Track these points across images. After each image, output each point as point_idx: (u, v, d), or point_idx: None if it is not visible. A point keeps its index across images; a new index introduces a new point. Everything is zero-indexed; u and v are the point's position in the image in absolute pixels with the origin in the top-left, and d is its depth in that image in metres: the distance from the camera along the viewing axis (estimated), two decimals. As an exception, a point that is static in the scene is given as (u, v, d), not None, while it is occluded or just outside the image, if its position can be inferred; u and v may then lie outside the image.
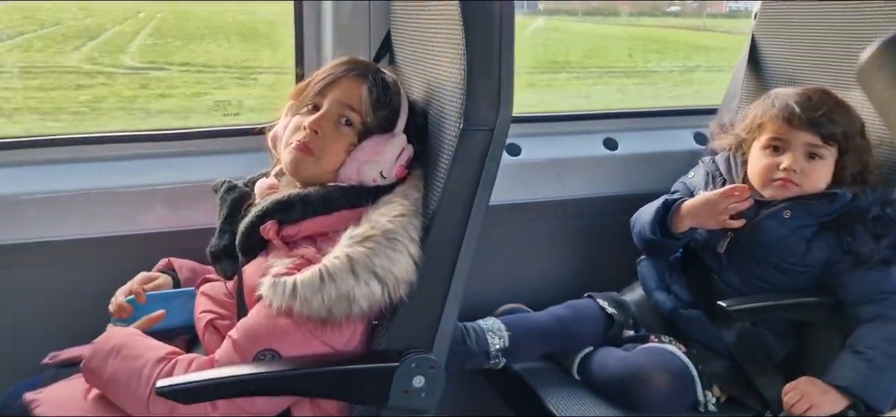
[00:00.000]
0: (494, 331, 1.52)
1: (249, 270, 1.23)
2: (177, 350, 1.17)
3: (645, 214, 1.54)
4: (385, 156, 1.22)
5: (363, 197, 1.21)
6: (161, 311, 1.27)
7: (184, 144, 1.67)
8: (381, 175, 1.22)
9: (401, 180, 1.24)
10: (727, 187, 1.46)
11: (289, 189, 1.27)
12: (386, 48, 1.54)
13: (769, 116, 1.47)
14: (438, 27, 1.23)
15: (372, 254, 1.10)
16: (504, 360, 1.53)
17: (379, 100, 1.25)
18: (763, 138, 1.48)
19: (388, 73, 1.30)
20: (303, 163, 1.23)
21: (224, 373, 1.10)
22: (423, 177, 1.25)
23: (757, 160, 1.49)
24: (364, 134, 1.24)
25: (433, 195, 1.21)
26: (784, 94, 1.49)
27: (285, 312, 1.09)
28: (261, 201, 1.26)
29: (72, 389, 1.21)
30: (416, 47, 1.37)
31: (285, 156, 1.26)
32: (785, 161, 1.44)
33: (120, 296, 1.30)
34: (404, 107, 1.27)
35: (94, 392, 1.18)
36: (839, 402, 1.36)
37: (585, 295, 1.64)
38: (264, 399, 1.13)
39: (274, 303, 1.09)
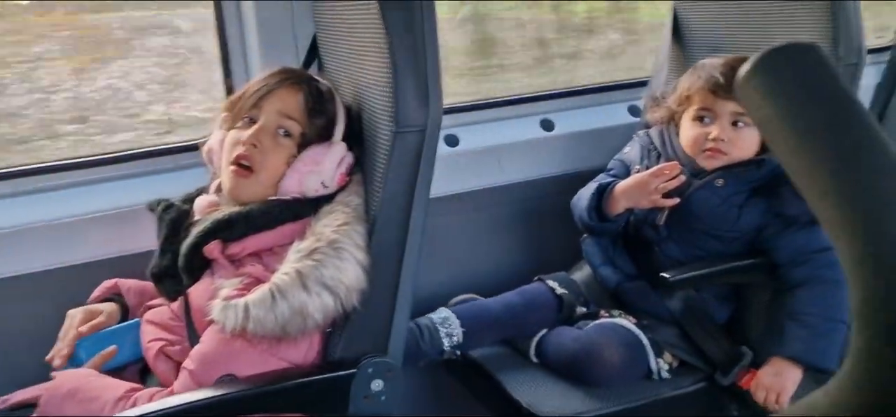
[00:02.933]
0: (447, 325, 1.53)
1: (196, 292, 1.22)
2: (136, 386, 1.16)
3: (582, 200, 1.58)
4: (325, 166, 1.22)
5: (305, 208, 1.22)
6: (113, 347, 1.25)
7: (120, 167, 1.63)
8: (323, 184, 1.22)
9: (341, 187, 1.24)
10: (656, 167, 1.50)
11: (230, 205, 1.26)
12: (313, 53, 1.53)
13: (696, 88, 1.52)
14: (362, 29, 1.23)
15: (320, 266, 1.11)
16: (458, 352, 1.54)
17: (315, 109, 1.25)
18: (692, 110, 1.53)
19: (322, 81, 1.30)
20: (242, 185, 1.22)
21: (180, 400, 1.10)
22: (362, 183, 1.26)
23: (687, 131, 1.53)
24: (303, 144, 1.24)
25: (373, 199, 1.22)
26: (709, 65, 1.53)
27: (239, 334, 1.09)
28: (202, 220, 1.25)
29: (23, 435, 1.19)
30: (342, 50, 1.36)
31: (224, 177, 1.25)
32: (713, 131, 1.49)
33: (64, 347, 1.26)
34: (341, 114, 1.27)
35: None
36: (794, 372, 1.41)
37: (535, 278, 1.67)
38: None
39: (227, 326, 1.09)
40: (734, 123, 1.49)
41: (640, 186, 1.48)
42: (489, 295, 1.66)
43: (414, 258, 1.21)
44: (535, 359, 1.55)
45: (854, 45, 1.46)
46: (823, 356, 1.39)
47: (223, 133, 1.29)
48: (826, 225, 0.43)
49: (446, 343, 1.52)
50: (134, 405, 1.10)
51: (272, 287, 1.09)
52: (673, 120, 1.58)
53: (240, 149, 1.22)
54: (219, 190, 1.33)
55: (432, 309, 1.60)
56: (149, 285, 1.36)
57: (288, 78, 1.26)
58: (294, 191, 1.22)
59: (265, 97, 1.24)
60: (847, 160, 0.41)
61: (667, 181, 1.46)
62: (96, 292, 1.38)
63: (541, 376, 1.52)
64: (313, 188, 1.22)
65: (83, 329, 1.26)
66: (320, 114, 1.25)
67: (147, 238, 1.38)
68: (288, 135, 1.23)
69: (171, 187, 1.44)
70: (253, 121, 1.24)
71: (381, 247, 1.19)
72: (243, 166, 1.22)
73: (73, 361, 1.23)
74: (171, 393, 1.12)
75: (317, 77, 1.31)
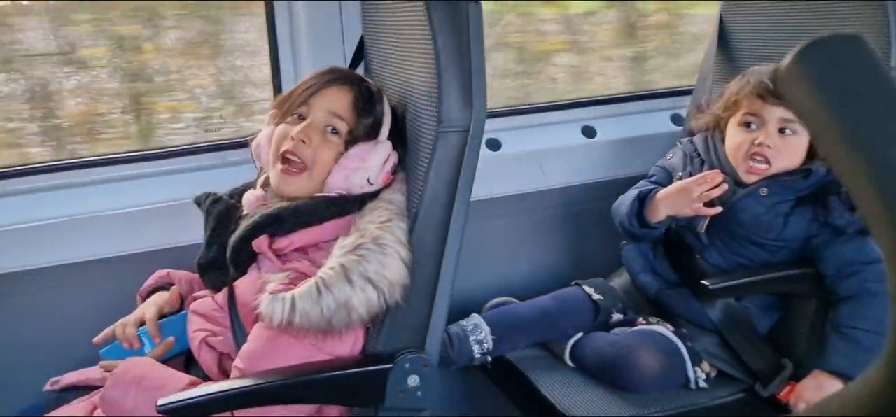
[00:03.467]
0: (477, 332, 1.54)
1: (242, 285, 1.25)
2: (196, 380, 1.19)
3: (623, 205, 1.57)
4: (372, 164, 1.24)
5: (351, 204, 1.24)
6: (172, 338, 1.29)
7: (170, 162, 1.69)
8: (368, 181, 1.24)
9: (386, 185, 1.26)
10: (699, 175, 1.49)
11: (277, 201, 1.29)
12: (360, 53, 1.56)
13: (744, 93, 1.50)
14: (408, 30, 1.25)
15: (364, 261, 1.13)
16: (489, 358, 1.55)
17: (364, 109, 1.27)
18: (738, 115, 1.51)
19: (371, 82, 1.32)
20: (290, 183, 1.25)
21: (222, 387, 1.13)
22: (405, 180, 1.28)
23: (732, 137, 1.52)
24: (350, 142, 1.26)
25: (415, 197, 1.23)
26: (758, 71, 1.52)
27: (285, 328, 1.11)
28: (251, 214, 1.27)
29: (73, 413, 1.23)
30: (389, 50, 1.39)
31: (272, 174, 1.27)
32: (759, 136, 1.47)
33: (130, 328, 1.29)
34: (388, 114, 1.29)
35: (97, 415, 1.20)
36: (836, 387, 1.38)
37: (572, 282, 1.67)
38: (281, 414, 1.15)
39: (274, 319, 1.11)
40: (781, 130, 1.47)
41: (682, 193, 1.48)
42: (526, 299, 1.67)
43: (453, 257, 1.22)
44: (570, 363, 1.55)
45: (908, 54, 1.43)
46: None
47: (271, 128, 1.32)
48: (867, 216, 0.43)
49: (476, 349, 1.53)
50: None
51: (318, 280, 1.11)
52: (718, 126, 1.57)
53: (288, 145, 1.25)
54: (266, 185, 1.36)
55: (471, 309, 1.62)
56: (195, 276, 1.40)
57: (338, 77, 1.29)
58: (340, 188, 1.25)
59: (315, 95, 1.27)
60: (891, 149, 0.41)
61: (709, 189, 1.45)
62: (150, 280, 1.42)
63: (576, 379, 1.52)
64: (359, 185, 1.24)
65: (149, 323, 1.29)
66: (368, 114, 1.27)
67: (196, 231, 1.42)
68: (335, 132, 1.26)
69: (219, 182, 1.48)
70: (302, 118, 1.27)
71: (422, 245, 1.20)
72: (292, 163, 1.25)
73: (126, 352, 1.27)
74: None
75: (365, 77, 1.34)
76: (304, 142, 1.24)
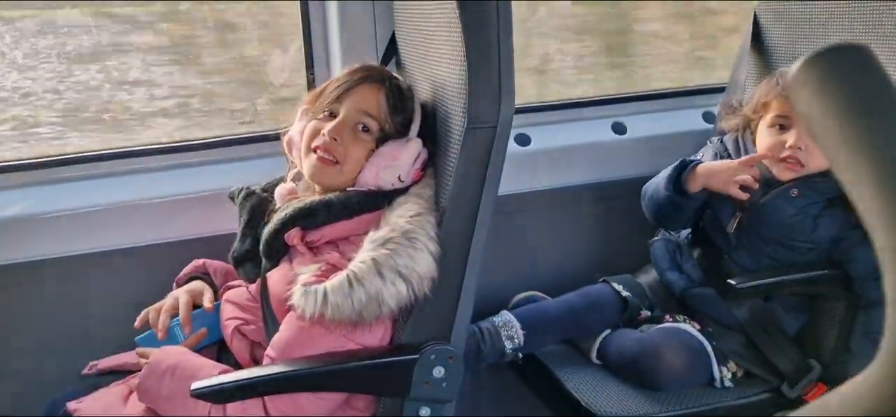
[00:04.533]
0: (508, 328, 1.55)
1: (275, 277, 1.28)
2: (227, 367, 1.22)
3: (659, 177, 1.57)
4: (402, 161, 1.26)
5: (381, 199, 1.26)
6: (204, 329, 1.33)
7: (204, 154, 1.73)
8: (399, 179, 1.27)
9: (415, 181, 1.28)
10: (747, 156, 1.48)
11: (308, 194, 1.32)
12: (392, 49, 1.58)
13: (774, 94, 1.49)
14: (439, 27, 1.27)
15: (394, 255, 1.15)
16: (520, 354, 1.56)
17: (395, 107, 1.29)
18: (769, 116, 1.50)
19: (401, 79, 1.34)
20: (325, 172, 1.28)
21: (253, 373, 1.16)
22: (434, 175, 1.29)
23: (763, 138, 1.51)
24: (381, 139, 1.28)
25: (443, 191, 1.25)
26: (788, 72, 1.50)
27: (317, 320, 1.14)
28: (283, 207, 1.30)
29: (111, 397, 1.27)
30: (420, 47, 1.41)
31: (306, 164, 1.30)
32: (790, 138, 1.46)
33: (165, 317, 1.32)
34: (418, 112, 1.31)
35: (133, 399, 1.24)
36: None
37: (600, 279, 1.68)
38: (312, 404, 1.18)
39: (306, 311, 1.14)
40: None
41: (725, 170, 1.47)
42: (553, 294, 1.68)
43: (479, 250, 1.24)
44: (596, 360, 1.56)
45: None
46: None
47: (303, 123, 1.34)
48: (864, 215, 0.44)
49: (508, 345, 1.54)
50: None
51: (349, 274, 1.14)
52: (748, 127, 1.56)
53: (320, 141, 1.27)
54: (296, 178, 1.39)
55: (498, 303, 1.63)
56: (230, 267, 1.44)
57: (369, 75, 1.31)
58: (371, 184, 1.27)
59: (347, 93, 1.29)
60: (889, 151, 0.42)
61: (749, 175, 1.44)
62: (186, 269, 1.45)
63: (601, 376, 1.53)
64: (390, 181, 1.26)
65: (182, 312, 1.32)
66: (399, 112, 1.29)
67: (229, 221, 1.46)
68: (366, 130, 1.28)
69: (253, 174, 1.52)
70: (333, 115, 1.29)
71: (449, 239, 1.22)
72: (327, 156, 1.27)
73: (168, 338, 1.30)
74: None
75: (396, 75, 1.35)
76: (335, 140, 1.26)
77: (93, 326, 1.60)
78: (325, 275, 1.18)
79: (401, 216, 1.20)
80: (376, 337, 1.20)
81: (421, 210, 1.21)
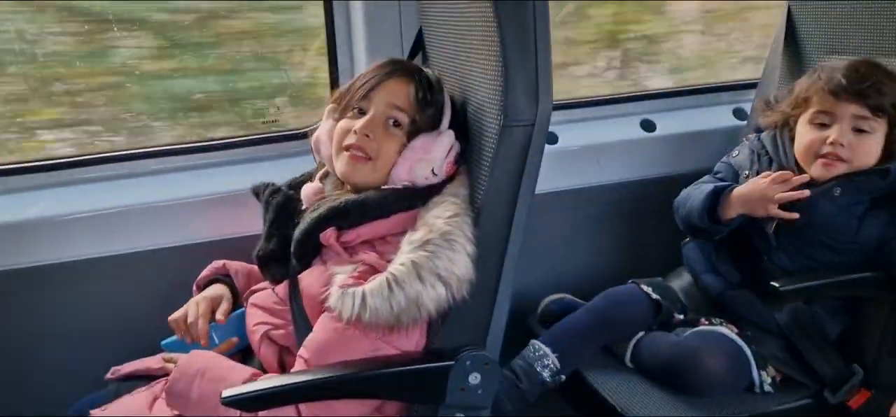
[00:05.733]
0: (540, 358, 1.50)
1: (307, 278, 1.24)
2: (258, 372, 1.19)
3: (691, 200, 1.52)
4: (435, 154, 1.23)
5: (416, 198, 1.23)
6: (235, 337, 1.30)
7: (226, 154, 1.69)
8: (433, 172, 1.23)
9: (449, 178, 1.25)
10: (777, 173, 1.44)
11: (337, 193, 1.28)
12: (419, 46, 1.54)
13: (815, 89, 1.45)
14: (471, 24, 1.23)
15: (434, 257, 1.12)
16: (562, 376, 1.50)
17: (425, 100, 1.25)
18: (809, 112, 1.46)
19: (430, 72, 1.30)
20: (359, 170, 1.24)
21: (286, 380, 1.12)
22: (468, 173, 1.26)
23: (803, 135, 1.46)
24: (412, 133, 1.25)
25: (478, 192, 1.21)
26: (830, 67, 1.46)
27: (354, 323, 1.10)
28: (315, 207, 1.26)
29: (135, 403, 1.24)
30: (449, 44, 1.37)
31: (338, 163, 1.26)
32: (831, 134, 1.42)
33: (203, 324, 1.29)
34: (448, 104, 1.27)
35: (159, 405, 1.21)
36: None
37: (629, 281, 1.63)
38: (346, 408, 1.15)
39: (343, 314, 1.10)
40: (856, 129, 1.41)
41: (759, 192, 1.43)
42: (581, 294, 1.64)
43: (515, 252, 1.20)
44: (630, 364, 1.52)
45: None
46: None
47: (331, 123, 1.31)
48: None
49: (546, 374, 1.48)
50: None
51: (389, 276, 1.10)
52: (787, 124, 1.51)
53: (352, 139, 1.24)
54: (323, 178, 1.35)
55: (525, 304, 1.59)
56: (255, 268, 1.39)
57: (398, 69, 1.27)
58: (404, 179, 1.24)
59: (375, 89, 1.25)
60: None
61: (789, 191, 1.40)
62: (205, 272, 1.42)
63: (635, 381, 1.48)
64: (423, 176, 1.23)
65: (220, 317, 1.29)
66: (429, 105, 1.26)
67: (251, 223, 1.42)
68: (397, 125, 1.25)
69: (276, 173, 1.48)
70: (362, 112, 1.26)
71: (485, 241, 1.18)
72: (360, 153, 1.24)
73: (187, 346, 1.27)
74: None
75: (425, 68, 1.32)
76: (367, 136, 1.23)
77: (114, 330, 1.57)
78: (362, 277, 1.15)
79: (438, 216, 1.17)
80: (412, 340, 1.17)
81: (458, 211, 1.18)
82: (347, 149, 1.24)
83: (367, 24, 1.62)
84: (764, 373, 1.43)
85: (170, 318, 1.31)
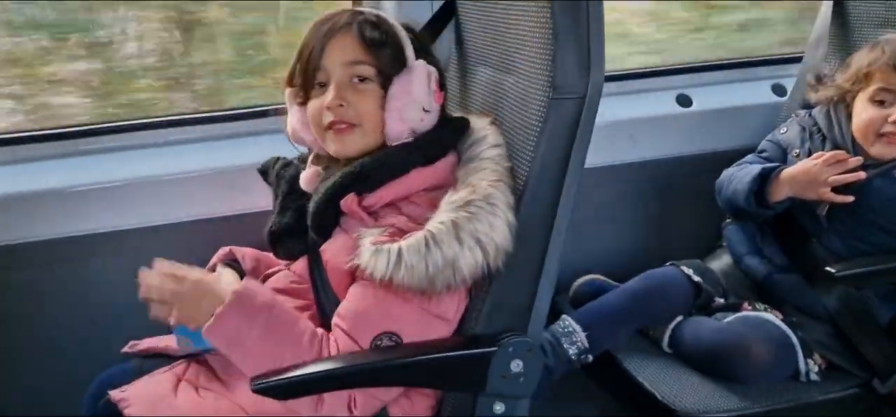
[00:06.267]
0: (569, 335, 1.45)
1: (331, 249, 1.17)
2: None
3: (736, 182, 1.45)
4: (416, 92, 1.15)
5: (433, 149, 1.16)
6: None
7: (233, 126, 1.62)
8: (423, 109, 1.16)
9: (441, 104, 1.19)
10: (830, 153, 1.37)
11: (336, 169, 1.20)
12: (450, 11, 1.46)
13: (879, 65, 1.38)
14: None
15: (474, 219, 1.05)
16: (590, 356, 1.45)
17: (376, 41, 1.16)
18: (870, 89, 1.39)
19: (368, 11, 1.20)
20: (349, 141, 1.16)
21: (319, 368, 1.05)
22: (507, 147, 1.18)
23: (863, 112, 1.40)
24: (385, 82, 1.16)
25: (522, 168, 1.14)
26: (894, 41, 1.38)
27: (386, 284, 1.04)
28: (329, 175, 1.19)
29: (158, 386, 1.18)
30: (488, 12, 1.28)
31: (328, 144, 1.19)
32: (894, 113, 1.34)
33: None
34: (404, 35, 1.18)
35: (184, 387, 1.15)
36: None
37: (668, 263, 1.58)
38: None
39: (376, 272, 1.03)
40: None
41: (811, 175, 1.36)
42: (615, 276, 1.59)
43: (562, 233, 1.14)
44: (668, 349, 1.46)
45: None
46: None
47: (297, 109, 1.23)
48: None
49: (571, 352, 1.43)
50: (320, 349, 1.07)
51: (427, 234, 1.04)
52: (843, 100, 1.44)
53: (329, 117, 1.16)
54: (316, 162, 1.27)
55: (557, 285, 1.53)
56: (263, 254, 1.33)
57: (333, 26, 1.17)
58: (401, 130, 1.16)
59: (322, 56, 1.16)
60: None
61: (842, 173, 1.33)
62: (213, 260, 1.34)
63: (675, 368, 1.43)
64: (417, 119, 1.16)
65: None
66: (383, 44, 1.17)
67: (259, 196, 1.35)
68: (364, 79, 1.16)
69: (280, 147, 1.38)
70: (323, 85, 1.17)
71: (529, 220, 1.11)
72: (343, 124, 1.16)
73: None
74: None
75: (360, 8, 1.22)
76: (341, 106, 1.15)
77: (129, 305, 1.50)
78: (391, 238, 1.08)
79: (482, 179, 1.10)
80: (453, 305, 1.11)
81: (501, 177, 1.11)
82: (330, 127, 1.16)
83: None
84: (810, 361, 1.38)
85: None
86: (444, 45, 1.48)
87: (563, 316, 1.48)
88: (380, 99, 1.16)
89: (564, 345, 1.43)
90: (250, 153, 1.51)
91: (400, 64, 1.17)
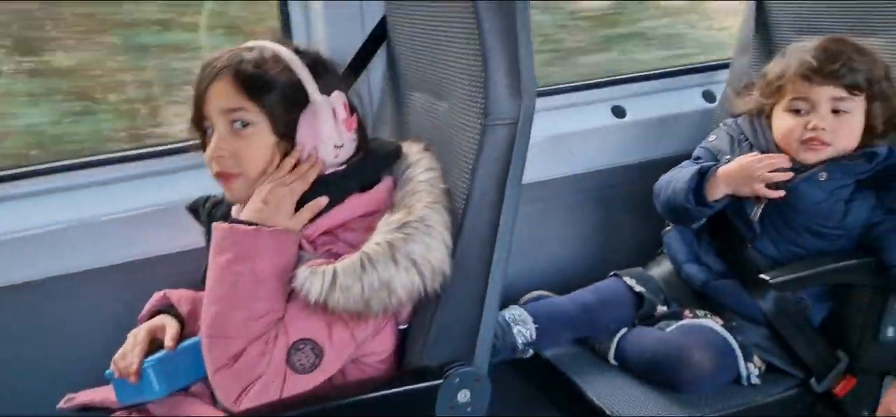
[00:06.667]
0: (520, 323, 1.47)
1: None
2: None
3: (675, 182, 1.47)
4: (323, 131, 1.11)
5: (368, 172, 1.15)
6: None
7: (167, 161, 1.56)
8: (335, 147, 1.12)
9: (355, 129, 1.15)
10: (769, 155, 1.41)
11: None
12: (380, 39, 1.44)
13: (787, 76, 1.41)
14: (446, 16, 1.15)
15: (410, 241, 1.04)
16: (531, 351, 1.47)
17: (255, 85, 1.10)
18: (785, 100, 1.43)
19: (252, 52, 1.13)
20: (235, 189, 1.13)
21: (264, 406, 1.03)
22: (443, 171, 1.17)
23: (782, 123, 1.43)
24: (277, 125, 1.11)
25: (458, 194, 1.13)
26: (800, 49, 1.42)
27: (321, 306, 1.01)
28: None
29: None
30: (419, 36, 1.28)
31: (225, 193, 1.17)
32: (811, 120, 1.39)
33: (131, 365, 1.13)
34: (301, 68, 1.13)
35: None
36: None
37: (611, 274, 1.59)
38: None
39: (310, 295, 1.01)
40: (834, 111, 1.39)
41: (746, 170, 1.39)
42: (560, 290, 1.59)
43: (503, 259, 1.14)
44: (614, 362, 1.47)
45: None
46: None
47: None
48: None
49: (520, 340, 1.45)
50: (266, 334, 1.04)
51: (362, 255, 1.03)
52: (763, 111, 1.48)
53: (214, 166, 1.12)
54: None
55: (502, 303, 1.53)
56: (199, 292, 1.27)
57: (209, 71, 1.12)
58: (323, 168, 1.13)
59: (203, 103, 1.12)
60: None
61: (774, 171, 1.37)
62: (148, 306, 1.29)
63: (621, 379, 1.44)
64: (330, 156, 1.12)
65: (169, 343, 1.16)
66: (268, 86, 1.11)
67: (190, 235, 1.30)
68: (245, 124, 1.11)
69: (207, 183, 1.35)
70: (206, 133, 1.14)
71: (470, 246, 1.11)
72: (226, 174, 1.13)
73: (143, 384, 1.13)
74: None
75: (249, 45, 1.15)
76: (222, 156, 1.11)
77: (63, 356, 1.45)
78: (328, 262, 1.05)
79: (418, 200, 1.10)
80: (380, 338, 1.11)
81: (436, 200, 1.11)
82: (218, 177, 1.13)
83: (327, 25, 1.51)
84: (750, 365, 1.41)
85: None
86: (377, 67, 1.48)
87: (515, 305, 1.50)
88: (269, 143, 1.11)
89: (514, 332, 1.44)
90: (183, 190, 1.48)
91: (298, 101, 1.12)
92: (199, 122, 1.14)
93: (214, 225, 1.09)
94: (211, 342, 1.06)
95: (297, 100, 1.12)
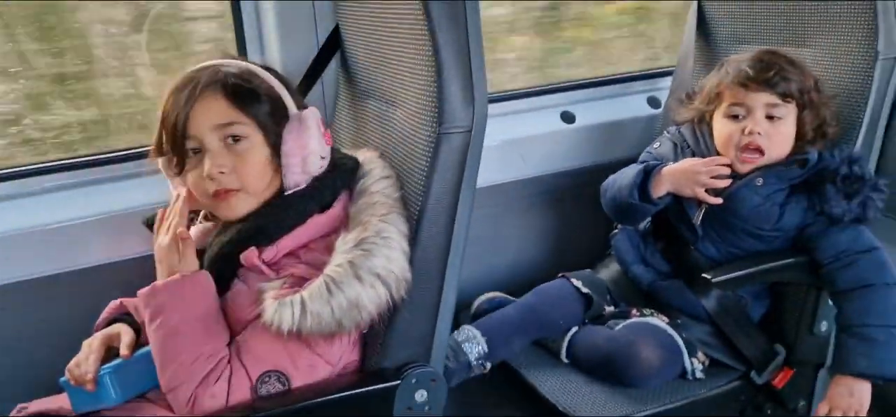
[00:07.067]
0: (470, 340, 1.49)
1: (235, 301, 1.14)
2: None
3: (621, 179, 1.53)
4: (312, 143, 1.14)
5: (326, 193, 1.16)
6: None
7: (116, 168, 1.54)
8: (321, 157, 1.16)
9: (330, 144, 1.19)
10: (709, 158, 1.48)
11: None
12: (333, 47, 1.45)
13: (725, 84, 1.48)
14: (398, 24, 1.18)
15: (371, 256, 1.07)
16: (488, 364, 1.50)
17: (247, 98, 1.12)
18: (723, 107, 1.50)
19: (231, 67, 1.15)
20: (235, 205, 1.14)
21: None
22: (399, 178, 1.20)
23: (721, 129, 1.50)
24: (267, 136, 1.14)
25: (413, 201, 1.16)
26: (736, 60, 1.50)
27: (295, 333, 1.04)
28: (223, 231, 1.17)
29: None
30: (372, 44, 1.30)
31: (218, 211, 1.16)
32: (748, 125, 1.45)
33: (87, 373, 1.12)
34: (278, 84, 1.17)
35: None
36: (865, 387, 1.39)
37: (559, 275, 1.64)
38: None
39: (283, 326, 1.03)
40: (769, 117, 1.46)
41: (689, 172, 1.46)
42: (514, 291, 1.63)
43: (458, 262, 1.17)
44: (566, 360, 1.52)
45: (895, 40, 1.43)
46: (889, 365, 1.37)
47: (177, 180, 1.18)
48: None
49: (472, 356, 1.48)
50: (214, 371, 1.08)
51: (326, 279, 1.04)
52: (704, 119, 1.55)
53: (211, 187, 1.12)
54: (210, 218, 1.24)
55: (456, 305, 1.56)
56: None
57: (193, 90, 1.12)
58: (301, 180, 1.15)
59: (188, 123, 1.11)
60: None
61: (715, 177, 1.43)
62: (104, 314, 1.28)
63: (573, 377, 1.49)
64: (316, 167, 1.16)
65: (125, 352, 1.15)
66: (257, 97, 1.13)
67: (143, 242, 1.31)
68: (238, 139, 1.12)
69: (163, 189, 1.31)
70: (197, 151, 1.13)
71: (426, 251, 1.14)
72: (226, 190, 1.13)
73: (100, 391, 1.12)
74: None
75: (222, 61, 1.17)
76: (222, 173, 1.11)
77: (13, 363, 1.43)
78: (290, 288, 1.08)
79: (372, 215, 1.11)
80: (338, 353, 1.13)
81: (390, 209, 1.13)
82: (216, 196, 1.13)
83: (279, 28, 1.52)
84: (695, 360, 1.47)
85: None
86: (331, 75, 1.50)
87: (464, 325, 1.52)
88: (264, 154, 1.13)
89: (465, 349, 1.47)
90: (135, 196, 1.47)
91: (282, 114, 1.15)
92: (180, 144, 1.12)
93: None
94: (167, 394, 1.09)
95: (281, 114, 1.15)
